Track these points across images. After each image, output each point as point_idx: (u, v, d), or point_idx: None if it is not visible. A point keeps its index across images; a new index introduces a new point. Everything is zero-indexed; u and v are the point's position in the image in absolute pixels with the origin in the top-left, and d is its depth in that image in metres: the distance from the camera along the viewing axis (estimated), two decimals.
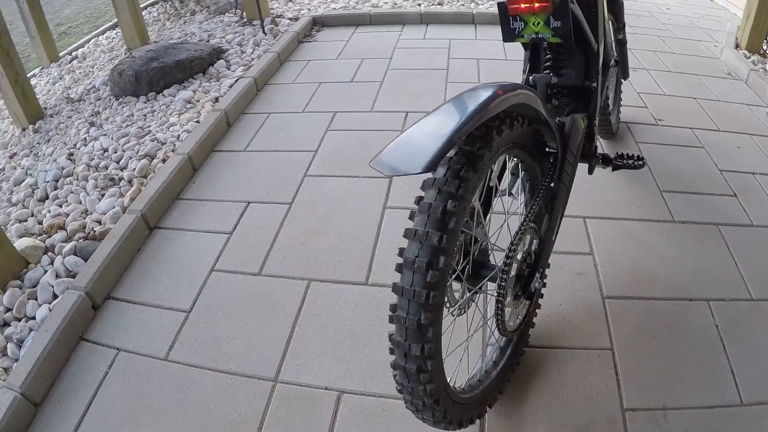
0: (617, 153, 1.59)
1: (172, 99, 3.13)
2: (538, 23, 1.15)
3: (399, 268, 0.87)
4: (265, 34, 3.82)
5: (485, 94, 0.88)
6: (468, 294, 1.13)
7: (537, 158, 1.19)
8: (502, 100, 0.89)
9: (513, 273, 1.10)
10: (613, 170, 1.57)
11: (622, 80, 2.23)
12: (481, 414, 1.22)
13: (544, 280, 1.45)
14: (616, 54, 2.00)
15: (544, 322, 1.53)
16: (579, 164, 1.45)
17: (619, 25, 1.91)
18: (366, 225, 2.03)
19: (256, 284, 1.86)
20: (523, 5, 1.12)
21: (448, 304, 1.10)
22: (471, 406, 1.15)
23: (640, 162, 1.57)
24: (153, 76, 3.12)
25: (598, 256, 1.72)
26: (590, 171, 1.50)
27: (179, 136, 2.77)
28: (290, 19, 4.08)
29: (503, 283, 1.04)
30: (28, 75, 4.03)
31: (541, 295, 1.46)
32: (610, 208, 1.90)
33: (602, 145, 2.25)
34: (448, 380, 1.09)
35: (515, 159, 1.19)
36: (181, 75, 3.20)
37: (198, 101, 3.09)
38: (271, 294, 1.81)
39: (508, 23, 1.19)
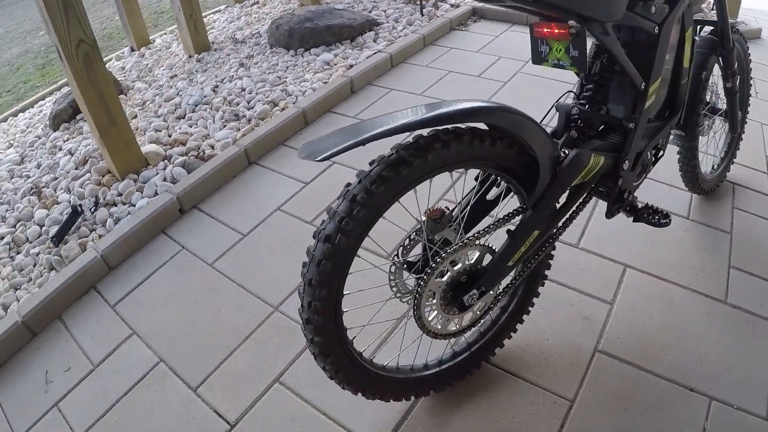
0: (646, 204, 1.56)
1: (315, 58, 3.58)
2: (560, 50, 1.24)
3: (314, 235, 1.08)
4: (422, 16, 4.10)
5: (437, 110, 1.02)
6: (411, 283, 1.26)
7: (526, 183, 1.22)
8: (449, 116, 1.00)
9: (438, 277, 1.20)
10: (633, 221, 1.55)
11: (736, 135, 2.08)
12: (399, 398, 1.36)
13: (530, 308, 1.50)
14: (724, 104, 1.89)
15: (520, 348, 1.58)
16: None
17: (728, 72, 1.81)
18: (416, 211, 2.22)
19: (304, 230, 2.18)
20: (545, 30, 1.21)
21: (395, 289, 1.28)
22: (384, 384, 1.31)
23: (665, 221, 1.51)
24: (304, 35, 3.59)
25: (617, 308, 1.68)
26: (607, 214, 1.51)
27: (305, 91, 3.19)
28: (452, 5, 4.30)
29: (421, 282, 1.17)
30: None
31: (521, 321, 1.51)
32: (660, 266, 1.82)
33: (690, 200, 2.13)
34: (362, 350, 1.27)
35: (500, 179, 1.29)
36: (330, 38, 3.63)
37: (335, 65, 3.49)
38: (310, 242, 2.12)
39: (537, 46, 1.29)
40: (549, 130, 1.28)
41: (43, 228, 2.30)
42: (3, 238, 2.28)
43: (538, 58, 1.28)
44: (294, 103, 3.05)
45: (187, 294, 1.94)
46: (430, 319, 1.25)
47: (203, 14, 4.88)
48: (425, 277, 1.16)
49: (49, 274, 2.06)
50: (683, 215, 2.02)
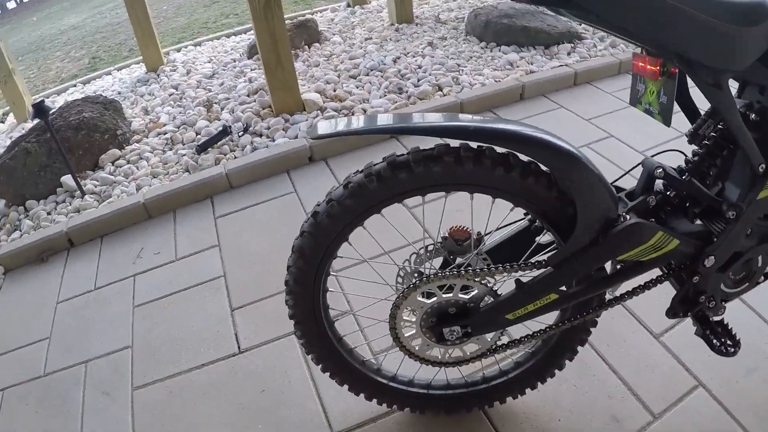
0: (722, 320, 1.26)
1: (501, 55, 3.51)
2: (653, 92, 1.02)
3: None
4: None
5: (465, 122, 0.96)
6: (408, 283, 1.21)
7: (563, 233, 1.06)
8: (472, 132, 0.93)
9: (423, 297, 1.14)
10: (695, 333, 1.27)
11: None
12: (370, 398, 1.32)
13: (547, 377, 1.32)
14: None
15: (524, 415, 1.41)
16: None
17: None
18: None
19: (401, 213, 2.22)
20: (639, 63, 1.01)
21: (400, 284, 1.25)
22: (358, 377, 1.29)
23: (730, 350, 1.21)
24: (499, 30, 3.54)
25: (658, 425, 1.37)
26: (668, 311, 1.25)
27: (474, 85, 3.16)
28: None
29: (401, 295, 1.12)
30: None
31: (533, 387, 1.34)
32: (742, 404, 1.35)
33: None
34: (344, 335, 1.28)
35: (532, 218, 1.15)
36: (523, 40, 3.52)
37: (517, 67, 3.39)
38: (407, 227, 2.16)
39: (636, 82, 1.07)
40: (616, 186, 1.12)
41: (197, 136, 2.68)
42: (166, 134, 2.72)
43: (634, 97, 1.10)
44: (458, 93, 3.05)
45: (275, 232, 2.13)
46: (406, 334, 1.22)
47: None
48: (405, 290, 1.14)
49: (182, 175, 2.41)
50: None
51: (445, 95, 3.04)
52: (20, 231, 2.30)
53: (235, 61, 3.62)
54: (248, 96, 2.99)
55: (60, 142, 2.35)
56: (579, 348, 1.32)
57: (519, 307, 1.13)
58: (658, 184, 1.14)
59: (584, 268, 1.09)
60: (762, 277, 1.25)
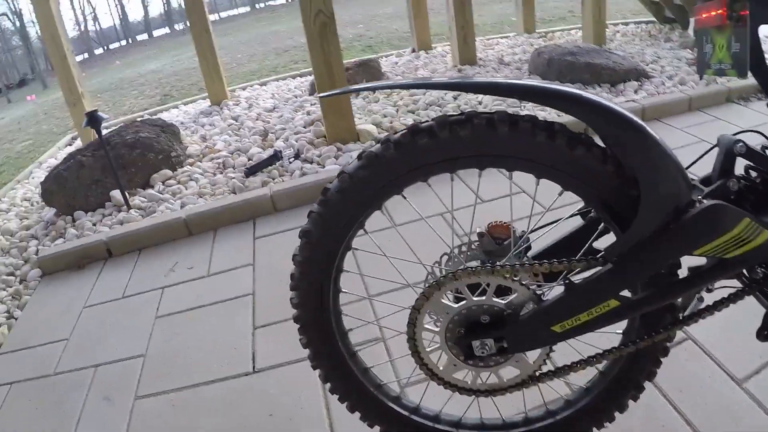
0: None
1: None
2: (723, 46, 0.85)
3: None
4: (701, 79, 3.42)
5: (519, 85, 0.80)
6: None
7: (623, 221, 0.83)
8: (509, 89, 0.78)
9: (449, 300, 0.93)
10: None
11: None
12: (387, 431, 1.10)
13: (605, 422, 1.05)
14: None
15: None
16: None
17: None
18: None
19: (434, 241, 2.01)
20: (703, 14, 0.85)
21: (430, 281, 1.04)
22: (372, 403, 1.08)
23: None
24: (562, 68, 3.34)
25: None
26: (759, 333, 0.94)
27: None
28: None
29: (421, 295, 0.91)
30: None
31: (574, 418, 1.08)
32: None
33: None
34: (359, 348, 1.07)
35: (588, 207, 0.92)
36: (587, 77, 3.30)
37: None
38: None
39: (701, 45, 0.90)
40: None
41: (249, 161, 2.62)
42: (220, 158, 2.69)
43: (701, 63, 0.91)
44: None
45: None
46: (428, 349, 0.98)
47: (491, 36, 4.99)
48: (427, 289, 0.91)
49: (228, 196, 2.33)
50: None
51: None
52: (64, 239, 2.28)
53: (296, 97, 3.62)
54: (304, 127, 2.93)
55: (114, 158, 2.35)
56: (646, 384, 1.03)
57: (569, 316, 0.87)
58: (739, 168, 0.89)
59: (652, 265, 0.83)
60: None
